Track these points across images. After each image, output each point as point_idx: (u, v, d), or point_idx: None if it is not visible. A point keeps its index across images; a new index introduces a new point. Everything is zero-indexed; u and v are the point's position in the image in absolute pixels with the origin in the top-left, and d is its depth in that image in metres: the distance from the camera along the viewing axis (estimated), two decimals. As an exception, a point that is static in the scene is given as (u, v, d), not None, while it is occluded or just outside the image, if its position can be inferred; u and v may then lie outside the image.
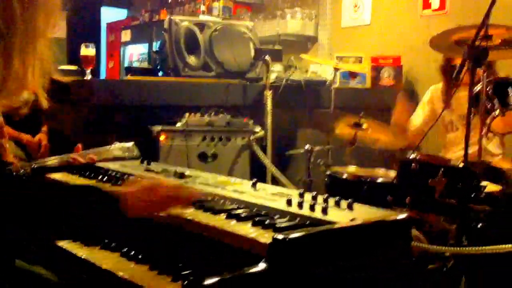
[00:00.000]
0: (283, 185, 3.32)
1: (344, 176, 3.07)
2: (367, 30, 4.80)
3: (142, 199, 1.31)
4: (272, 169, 3.35)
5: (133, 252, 1.34)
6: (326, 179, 3.13)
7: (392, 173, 2.91)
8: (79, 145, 2.03)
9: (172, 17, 3.79)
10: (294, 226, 1.25)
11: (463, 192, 2.50)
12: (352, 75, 4.20)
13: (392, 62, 4.24)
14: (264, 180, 3.40)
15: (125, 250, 1.36)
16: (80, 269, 1.37)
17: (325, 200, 1.43)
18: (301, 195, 1.47)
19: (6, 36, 1.16)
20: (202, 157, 3.25)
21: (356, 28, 4.88)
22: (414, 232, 2.58)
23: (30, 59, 1.20)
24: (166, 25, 3.73)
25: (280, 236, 1.10)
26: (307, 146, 3.31)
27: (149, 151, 3.09)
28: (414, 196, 2.72)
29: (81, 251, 1.41)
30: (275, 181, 3.39)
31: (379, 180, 2.94)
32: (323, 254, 1.16)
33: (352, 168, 3.28)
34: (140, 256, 1.32)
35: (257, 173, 3.40)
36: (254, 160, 3.37)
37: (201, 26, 3.80)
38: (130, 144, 2.23)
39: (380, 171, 3.15)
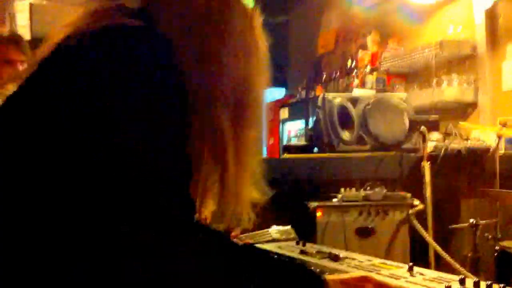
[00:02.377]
0: (446, 263, 3.14)
1: (516, 252, 2.84)
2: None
3: None
4: (434, 245, 3.19)
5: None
6: (495, 255, 2.92)
7: None
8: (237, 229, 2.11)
9: (325, 95, 3.91)
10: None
11: None
12: (518, 140, 3.92)
13: None
14: (426, 257, 3.25)
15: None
16: None
17: (489, 287, 1.33)
18: (462, 282, 1.39)
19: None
20: (360, 232, 3.21)
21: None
22: None
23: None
24: (319, 103, 3.85)
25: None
26: (472, 220, 3.11)
27: (306, 227, 3.15)
28: None
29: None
30: (438, 257, 3.22)
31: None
32: None
33: (525, 243, 3.03)
34: None
35: (418, 249, 3.27)
36: (414, 235, 3.25)
37: (354, 100, 3.85)
38: (287, 227, 2.30)
39: (559, 246, 2.87)
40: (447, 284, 1.35)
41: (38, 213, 1.07)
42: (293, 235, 2.16)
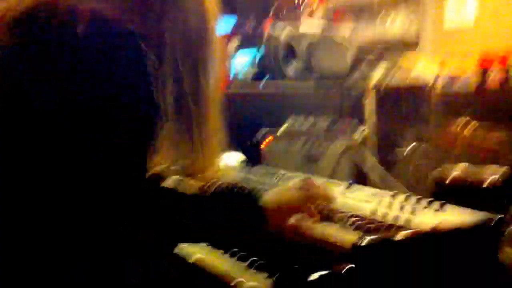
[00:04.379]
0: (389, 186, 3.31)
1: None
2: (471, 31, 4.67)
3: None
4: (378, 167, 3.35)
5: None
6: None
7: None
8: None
9: (271, 30, 3.93)
10: (380, 227, 1.30)
11: None
12: (455, 78, 4.09)
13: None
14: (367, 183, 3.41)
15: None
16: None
17: (417, 202, 1.46)
18: (393, 196, 1.51)
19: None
20: (306, 159, 3.33)
21: (460, 29, 4.76)
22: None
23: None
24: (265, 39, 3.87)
25: (363, 237, 1.16)
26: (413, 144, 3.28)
27: (254, 160, 3.25)
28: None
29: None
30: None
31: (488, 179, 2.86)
32: (403, 258, 1.20)
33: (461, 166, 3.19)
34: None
35: (361, 176, 3.42)
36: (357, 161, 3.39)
37: (300, 36, 3.90)
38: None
39: (491, 168, 3.04)
40: (381, 198, 1.47)
41: (38, 213, 1.08)
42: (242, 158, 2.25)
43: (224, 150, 2.27)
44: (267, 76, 3.82)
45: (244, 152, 2.72)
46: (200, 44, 1.24)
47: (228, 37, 6.77)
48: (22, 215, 1.09)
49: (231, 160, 2.38)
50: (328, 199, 1.43)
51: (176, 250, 1.47)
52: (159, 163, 1.25)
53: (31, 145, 1.08)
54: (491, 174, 2.90)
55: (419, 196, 1.47)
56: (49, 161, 1.07)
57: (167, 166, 1.27)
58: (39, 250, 1.09)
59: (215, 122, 1.28)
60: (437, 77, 3.79)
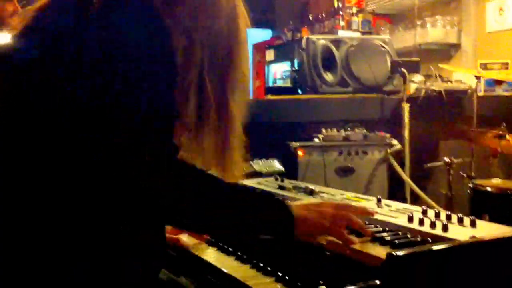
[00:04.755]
0: (422, 200, 3.27)
1: (488, 189, 2.96)
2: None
3: (312, 217, 1.27)
4: (409, 183, 3.32)
5: (262, 263, 1.45)
6: (468, 192, 3.05)
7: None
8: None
9: (309, 36, 3.93)
10: (411, 242, 1.28)
11: None
12: (498, 82, 4.00)
13: (543, 66, 3.97)
14: (403, 195, 3.38)
15: (254, 261, 1.48)
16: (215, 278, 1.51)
17: (448, 217, 1.43)
18: (424, 212, 1.49)
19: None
20: (340, 171, 3.32)
21: (502, 32, 4.64)
22: None
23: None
24: (303, 44, 3.88)
25: (394, 253, 1.15)
26: (446, 159, 3.23)
27: (289, 166, 3.25)
28: None
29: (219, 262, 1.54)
30: (415, 196, 3.36)
31: (527, 193, 2.80)
32: (437, 271, 1.18)
33: (497, 181, 3.15)
34: (268, 268, 1.43)
35: (397, 188, 3.40)
36: (392, 174, 3.37)
37: (338, 42, 3.89)
38: (270, 160, 2.38)
39: (528, 183, 2.99)
40: (410, 214, 1.45)
41: (38, 213, 1.08)
42: (276, 166, 2.23)
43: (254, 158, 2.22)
44: (306, 83, 3.83)
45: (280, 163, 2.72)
46: (229, 50, 1.21)
47: (266, 47, 6.82)
48: (22, 214, 1.09)
49: (270, 168, 2.36)
50: (363, 215, 1.40)
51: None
52: None
53: (31, 144, 1.08)
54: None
55: (448, 212, 1.44)
56: (50, 160, 1.07)
57: None
58: (39, 250, 1.08)
59: (240, 133, 1.25)
60: (478, 80, 3.72)
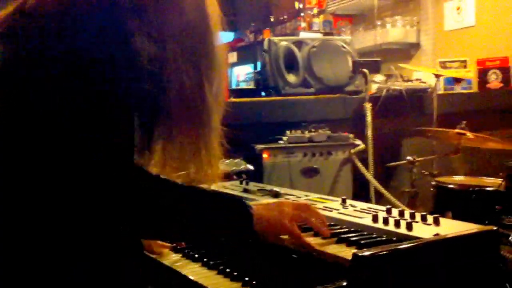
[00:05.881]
0: (387, 199, 3.31)
1: (451, 186, 3.01)
2: (471, 32, 4.65)
3: (272, 215, 1.28)
4: (373, 182, 3.35)
5: (228, 269, 1.44)
6: (432, 190, 3.09)
7: (502, 181, 2.81)
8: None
9: (271, 38, 3.93)
10: (376, 242, 1.28)
11: None
12: (457, 80, 4.08)
13: (500, 64, 4.07)
14: (367, 194, 3.41)
15: (221, 267, 1.46)
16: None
17: (412, 216, 1.44)
18: (388, 211, 1.50)
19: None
20: (305, 172, 3.33)
21: (460, 30, 4.74)
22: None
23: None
24: (266, 46, 3.88)
25: (360, 253, 1.15)
26: (409, 157, 3.27)
27: (253, 169, 3.23)
28: (524, 204, 2.61)
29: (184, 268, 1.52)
30: (379, 194, 3.39)
31: (488, 188, 2.85)
32: (403, 270, 1.19)
33: (459, 178, 3.21)
34: (235, 274, 1.41)
35: (361, 187, 3.42)
36: (356, 173, 3.39)
37: (299, 43, 3.90)
38: (237, 159, 2.36)
39: (489, 179, 3.05)
40: (375, 213, 1.45)
41: (37, 213, 1.07)
42: (243, 165, 2.22)
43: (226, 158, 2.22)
44: (269, 85, 3.83)
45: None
46: (202, 43, 1.20)
47: (228, 49, 6.81)
48: (21, 214, 1.08)
49: (237, 167, 2.35)
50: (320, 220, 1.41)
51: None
52: (162, 172, 1.22)
53: (29, 144, 1.07)
54: (487, 184, 2.90)
55: (412, 211, 1.45)
56: (47, 160, 1.06)
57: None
58: (39, 250, 1.08)
59: (218, 131, 1.25)
60: (437, 78, 3.79)
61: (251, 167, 2.64)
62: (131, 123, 1.11)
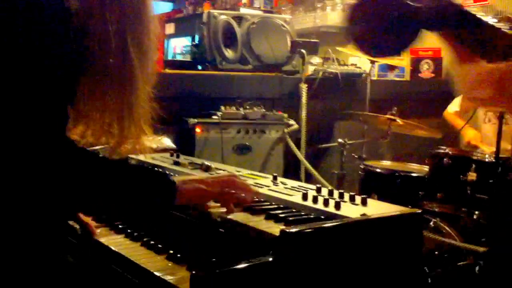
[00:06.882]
0: (316, 179, 3.35)
1: (378, 170, 3.08)
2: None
3: (197, 185, 1.30)
4: (304, 162, 3.38)
5: (153, 241, 1.40)
6: (360, 173, 3.15)
7: (426, 168, 2.90)
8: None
9: (210, 11, 3.86)
10: (304, 220, 1.28)
11: (495, 187, 2.48)
12: (391, 67, 4.17)
13: (432, 54, 4.18)
14: (298, 173, 3.44)
15: (145, 239, 1.42)
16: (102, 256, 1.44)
17: (341, 196, 1.45)
18: (318, 190, 1.50)
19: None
20: (237, 149, 3.31)
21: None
22: (444, 227, 2.58)
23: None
24: (204, 19, 3.80)
25: (287, 229, 1.14)
26: (340, 140, 3.32)
27: (185, 142, 3.19)
28: (446, 191, 2.71)
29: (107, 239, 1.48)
30: (309, 174, 3.43)
31: (413, 174, 2.94)
32: (329, 248, 1.19)
33: (386, 162, 3.29)
34: (159, 246, 1.38)
35: (292, 166, 3.45)
36: (288, 153, 3.41)
37: (239, 19, 3.85)
38: (161, 137, 2.31)
39: (414, 165, 3.15)
40: (305, 192, 1.45)
41: None
42: (167, 144, 2.18)
43: (153, 134, 2.21)
44: (206, 59, 3.76)
45: (176, 139, 2.64)
46: (133, 12, 1.18)
47: (166, 20, 6.66)
48: None
49: (160, 145, 2.30)
50: (249, 194, 1.40)
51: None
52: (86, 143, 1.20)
53: None
54: (412, 170, 3.00)
55: (341, 191, 1.47)
56: None
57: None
58: None
59: (144, 102, 1.22)
60: (372, 64, 3.86)
61: (173, 145, 2.59)
62: (60, 87, 1.07)
